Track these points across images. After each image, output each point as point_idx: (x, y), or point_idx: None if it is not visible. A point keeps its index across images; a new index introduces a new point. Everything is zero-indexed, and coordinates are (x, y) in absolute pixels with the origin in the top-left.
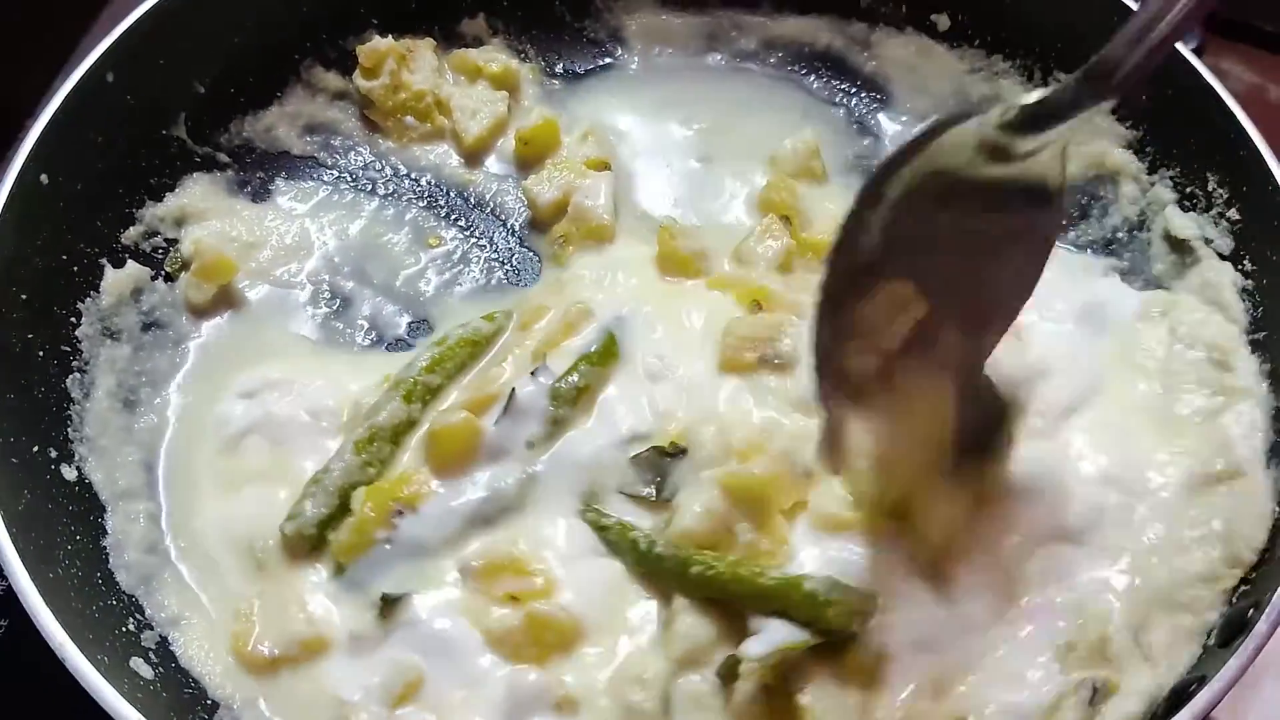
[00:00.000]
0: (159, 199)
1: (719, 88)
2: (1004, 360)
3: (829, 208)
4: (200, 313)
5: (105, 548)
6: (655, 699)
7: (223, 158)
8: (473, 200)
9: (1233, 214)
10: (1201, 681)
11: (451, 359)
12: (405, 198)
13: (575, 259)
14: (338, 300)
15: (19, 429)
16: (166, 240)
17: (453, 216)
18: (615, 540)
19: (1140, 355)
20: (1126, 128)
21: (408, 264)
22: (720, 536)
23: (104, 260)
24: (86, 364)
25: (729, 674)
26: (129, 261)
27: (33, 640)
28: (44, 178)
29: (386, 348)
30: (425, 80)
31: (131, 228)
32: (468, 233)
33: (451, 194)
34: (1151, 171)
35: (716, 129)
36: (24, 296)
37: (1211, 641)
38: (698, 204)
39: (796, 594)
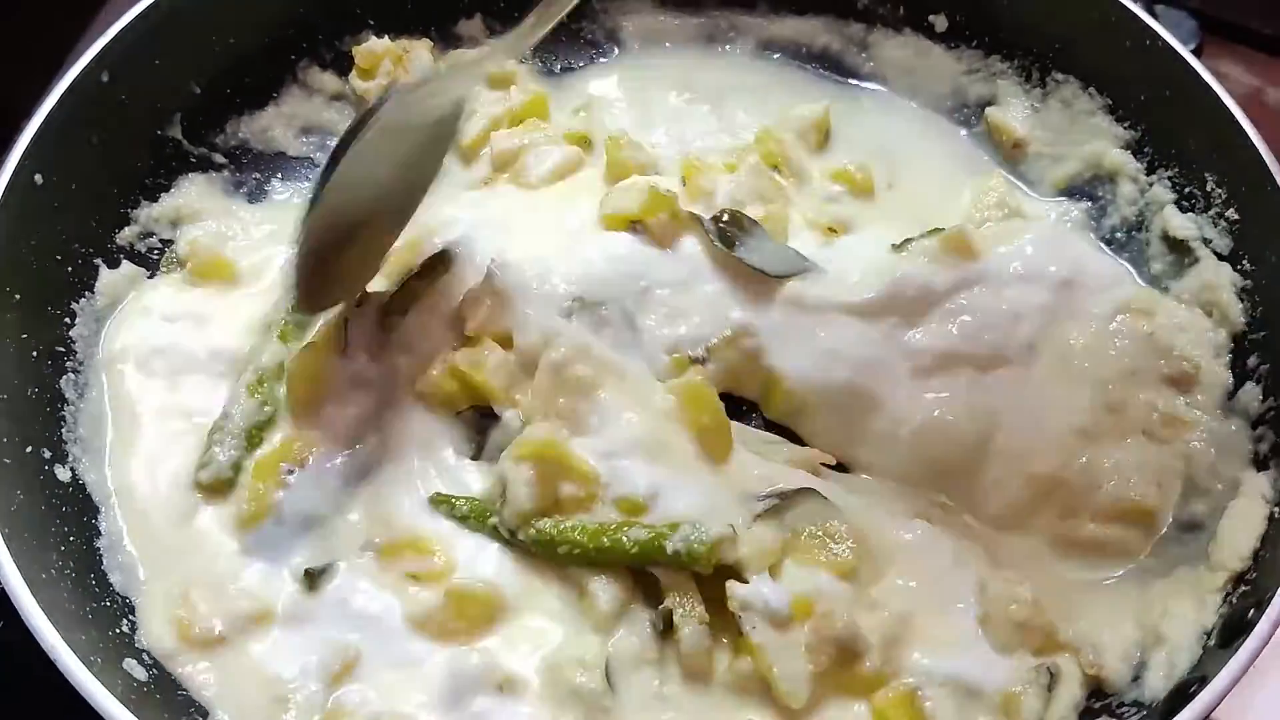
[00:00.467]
0: (154, 199)
1: (717, 73)
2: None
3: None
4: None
5: (99, 549)
6: (598, 678)
7: (219, 158)
8: None
9: (1231, 214)
10: (1203, 682)
11: None
12: None
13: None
14: None
15: (12, 429)
16: (162, 241)
17: None
18: (476, 527)
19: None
20: (1125, 128)
21: None
22: (551, 501)
23: (99, 260)
24: (81, 365)
25: (666, 623)
26: (124, 262)
27: (25, 642)
28: (38, 177)
29: None
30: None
31: (127, 228)
32: None
33: None
34: (1150, 172)
35: (712, 103)
36: (18, 296)
37: (1212, 642)
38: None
39: (662, 557)
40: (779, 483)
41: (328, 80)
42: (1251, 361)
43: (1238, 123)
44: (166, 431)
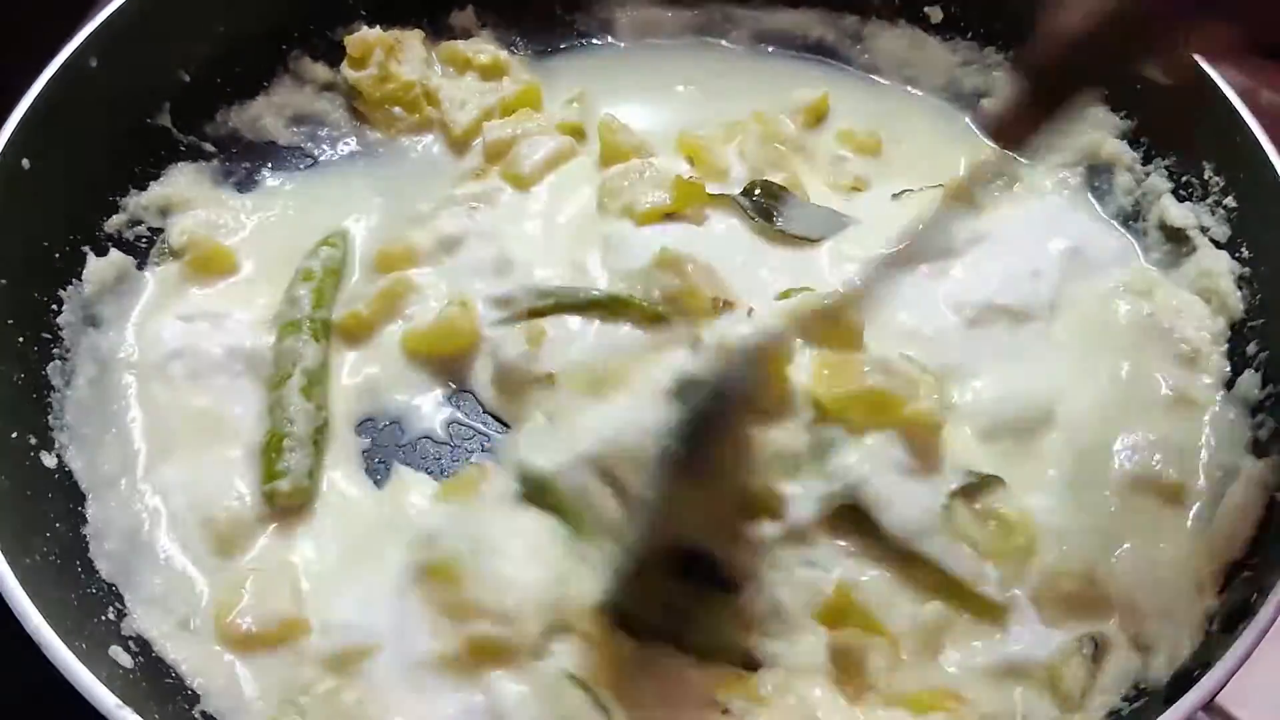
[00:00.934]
0: (143, 187)
1: (711, 63)
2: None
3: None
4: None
5: (85, 536)
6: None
7: (208, 147)
8: None
9: (1229, 201)
10: (1205, 667)
11: (328, 290)
12: None
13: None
14: None
15: None
16: (150, 229)
17: None
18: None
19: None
20: (1121, 118)
21: None
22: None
23: (86, 248)
24: (68, 352)
25: None
26: (112, 250)
27: (9, 627)
28: (26, 163)
29: None
30: (414, 71)
31: (115, 216)
32: None
33: None
34: (1146, 161)
35: (706, 90)
36: (4, 282)
37: (1214, 628)
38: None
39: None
40: None
41: (319, 70)
42: (1251, 349)
43: (1235, 110)
44: (203, 445)
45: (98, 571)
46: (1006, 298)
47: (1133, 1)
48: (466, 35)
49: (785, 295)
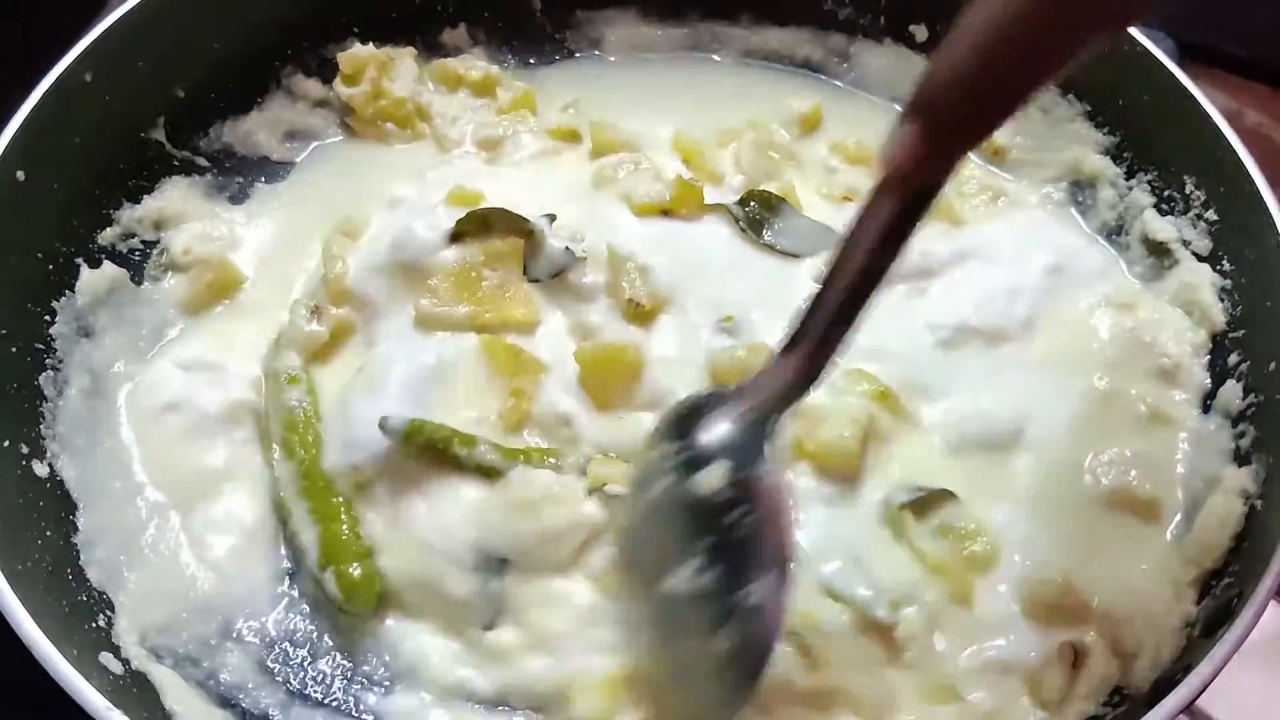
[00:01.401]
0: (137, 201)
1: (703, 74)
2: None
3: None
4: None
5: (76, 544)
6: None
7: (202, 162)
8: None
9: (1210, 215)
10: (1186, 670)
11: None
12: None
13: None
14: None
15: None
16: (144, 242)
17: None
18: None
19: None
20: (1104, 134)
21: None
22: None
23: (80, 260)
24: (60, 362)
25: None
26: (105, 262)
27: (2, 632)
28: (21, 174)
29: None
30: (405, 88)
31: (108, 229)
32: None
33: None
34: (1129, 176)
35: (699, 99)
36: None
37: (1196, 633)
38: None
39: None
40: None
41: (312, 86)
42: (1232, 360)
43: (1215, 125)
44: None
45: (88, 579)
46: (981, 319)
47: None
48: (458, 52)
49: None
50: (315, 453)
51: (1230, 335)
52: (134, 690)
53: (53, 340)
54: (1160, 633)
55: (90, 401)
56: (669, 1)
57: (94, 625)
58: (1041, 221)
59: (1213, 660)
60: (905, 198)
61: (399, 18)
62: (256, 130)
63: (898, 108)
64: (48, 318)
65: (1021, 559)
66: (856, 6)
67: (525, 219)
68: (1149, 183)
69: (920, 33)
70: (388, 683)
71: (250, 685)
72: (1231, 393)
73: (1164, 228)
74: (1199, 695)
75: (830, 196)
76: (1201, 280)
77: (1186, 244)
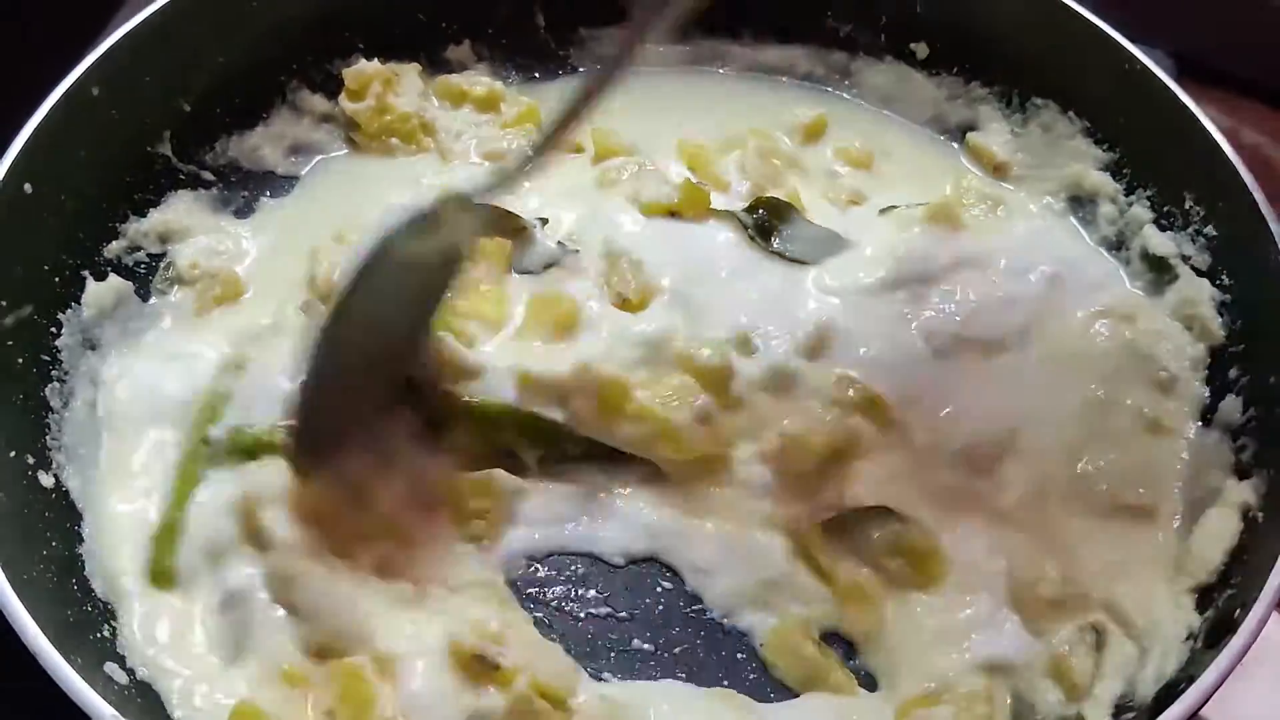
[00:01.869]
0: (143, 214)
1: (706, 87)
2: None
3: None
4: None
5: (80, 555)
6: None
7: (207, 176)
8: None
9: (1210, 230)
10: (1189, 681)
11: None
12: None
13: None
14: None
15: None
16: (150, 255)
17: None
18: None
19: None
20: (1104, 150)
21: None
22: None
23: (86, 272)
24: (66, 374)
25: None
26: (111, 275)
27: (8, 641)
28: (28, 187)
29: None
30: (410, 104)
31: (114, 242)
32: None
33: None
34: (1129, 192)
35: (703, 109)
36: (3, 304)
37: (1199, 644)
38: None
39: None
40: None
41: (317, 101)
42: (1232, 374)
43: (1214, 141)
44: None
45: (93, 590)
46: (976, 329)
47: None
48: (462, 68)
49: None
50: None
51: (1230, 350)
52: (138, 700)
53: (59, 352)
54: (1162, 638)
55: (95, 413)
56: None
57: (99, 635)
58: (1041, 230)
59: (1215, 671)
60: None
61: (404, 34)
62: (262, 145)
63: (904, 120)
64: (54, 330)
65: (1011, 564)
66: (857, 24)
67: (516, 215)
68: (1148, 198)
69: (921, 50)
70: None
71: None
72: (1232, 406)
73: (1163, 243)
74: (1202, 705)
75: (835, 200)
76: (1201, 295)
77: (1186, 259)
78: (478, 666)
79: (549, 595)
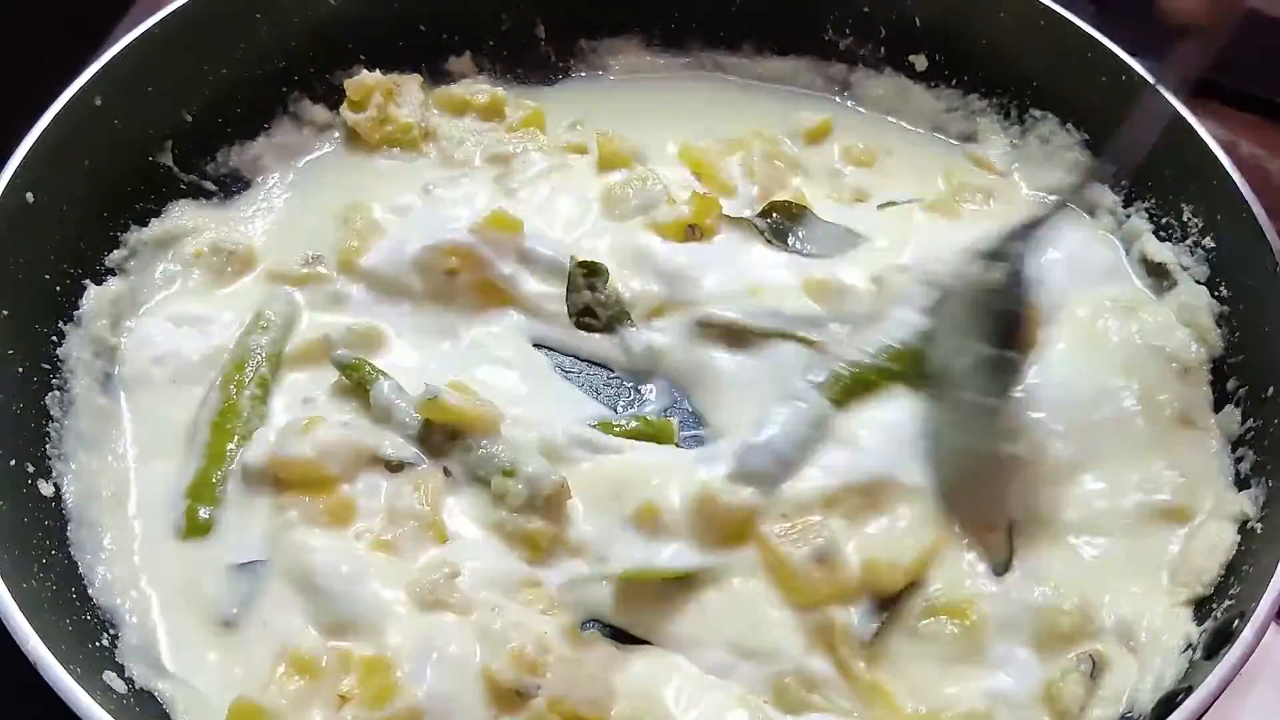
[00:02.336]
0: (144, 224)
1: (708, 93)
2: None
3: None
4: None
5: (79, 563)
6: None
7: (209, 185)
8: None
9: (1208, 242)
10: (1188, 691)
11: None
12: None
13: None
14: None
15: None
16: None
17: None
18: None
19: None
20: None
21: None
22: None
23: (87, 281)
24: (66, 382)
25: None
26: (111, 280)
27: (7, 650)
28: (30, 196)
29: None
30: (413, 114)
31: (115, 251)
32: None
33: None
34: (1127, 205)
35: (705, 114)
36: (5, 312)
37: (1198, 655)
38: None
39: None
40: None
41: (318, 112)
42: (1230, 385)
43: (1213, 154)
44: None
45: (92, 598)
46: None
47: None
48: (462, 79)
49: None
50: (241, 399)
51: (1229, 361)
52: (137, 709)
53: (59, 361)
54: (1160, 650)
55: (95, 420)
56: (671, 31)
57: (97, 644)
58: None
59: (1214, 681)
60: None
61: (404, 45)
62: (263, 155)
63: (903, 125)
64: (55, 339)
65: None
66: (857, 36)
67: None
68: (1147, 210)
69: (920, 62)
70: None
71: None
72: (1230, 417)
73: (1162, 251)
74: (1201, 716)
75: (841, 200)
76: (1200, 302)
77: (1185, 269)
78: (513, 696)
79: None
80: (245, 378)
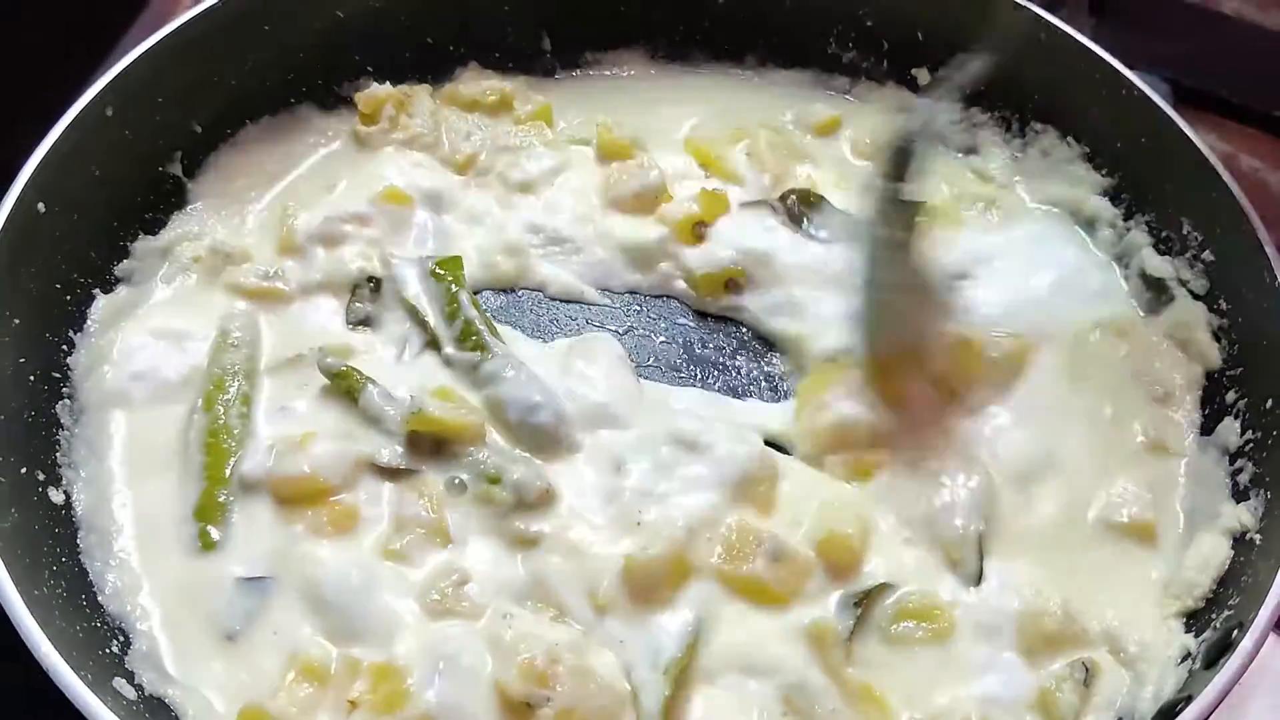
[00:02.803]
0: (153, 233)
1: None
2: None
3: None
4: None
5: (89, 571)
6: None
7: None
8: None
9: (1207, 255)
10: (1187, 701)
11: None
12: None
13: None
14: None
15: (8, 450)
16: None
17: None
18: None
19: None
20: (1102, 175)
21: None
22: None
23: (96, 290)
24: (76, 391)
25: None
26: (119, 288)
27: (17, 656)
28: (41, 206)
29: None
30: (424, 125)
31: (125, 261)
32: None
33: None
34: (1127, 218)
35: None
36: (17, 321)
37: (1197, 665)
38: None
39: None
40: None
41: (328, 123)
42: (1230, 397)
43: (1212, 167)
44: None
45: (102, 605)
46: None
47: None
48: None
49: None
50: (230, 419)
51: (1228, 373)
52: (147, 716)
53: (69, 369)
54: (1155, 661)
55: (97, 427)
56: (675, 44)
57: (107, 651)
58: (1042, 235)
59: (1213, 691)
60: None
61: (411, 57)
62: (267, 163)
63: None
64: (65, 347)
65: (1021, 602)
66: (860, 50)
67: None
68: (1147, 223)
69: (922, 76)
70: None
71: None
72: (1229, 429)
73: (1161, 266)
74: None
75: (850, 190)
76: (1197, 319)
77: (1184, 283)
78: (523, 707)
79: None
80: (229, 395)
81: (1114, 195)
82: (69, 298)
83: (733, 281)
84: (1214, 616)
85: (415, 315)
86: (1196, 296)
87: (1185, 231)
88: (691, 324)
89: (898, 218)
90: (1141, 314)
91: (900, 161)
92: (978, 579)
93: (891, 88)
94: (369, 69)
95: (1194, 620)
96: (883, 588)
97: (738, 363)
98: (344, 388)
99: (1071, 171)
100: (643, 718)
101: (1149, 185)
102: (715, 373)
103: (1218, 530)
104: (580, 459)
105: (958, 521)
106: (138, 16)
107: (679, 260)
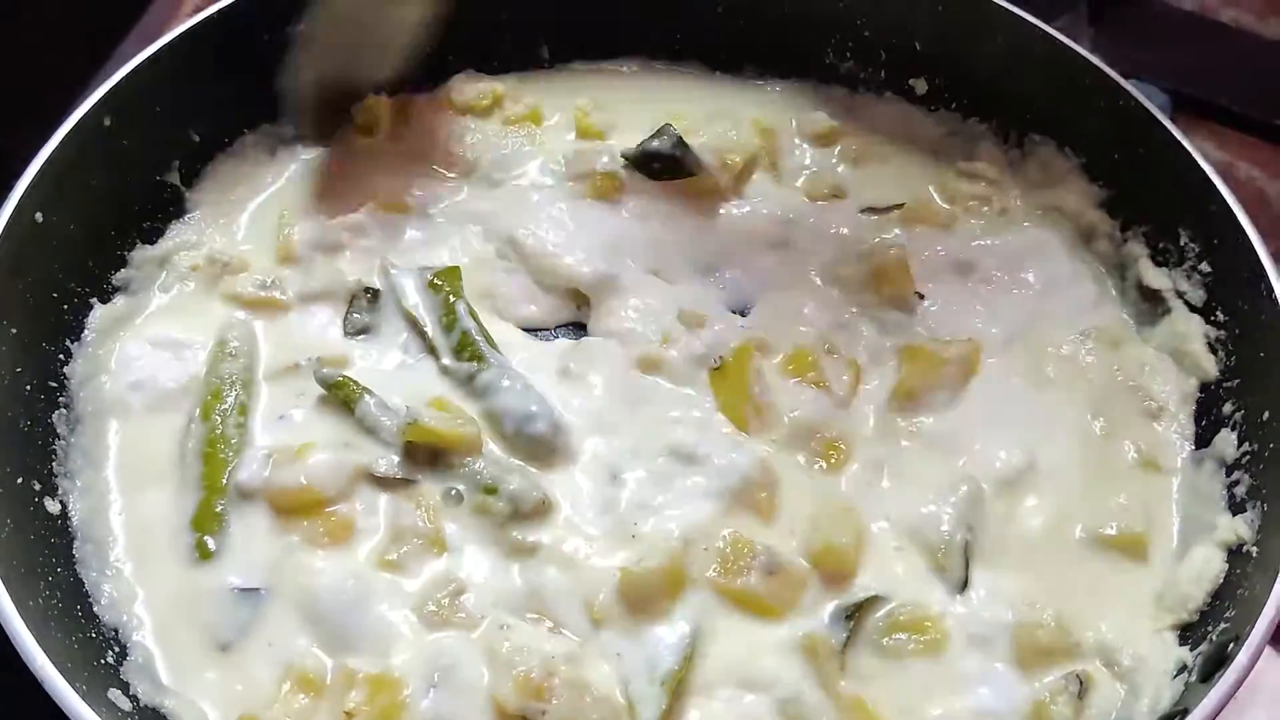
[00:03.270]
0: (151, 243)
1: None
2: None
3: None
4: None
5: (85, 581)
6: None
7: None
8: None
9: (1204, 266)
10: (1184, 715)
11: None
12: None
13: None
14: None
15: (3, 459)
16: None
17: None
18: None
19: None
20: (1100, 187)
21: None
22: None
23: (94, 300)
24: (73, 400)
25: None
26: (117, 298)
27: (11, 667)
28: (39, 216)
29: None
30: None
31: (122, 270)
32: None
33: None
34: (1125, 229)
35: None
36: (14, 331)
37: (1193, 678)
38: None
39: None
40: None
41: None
42: (1226, 409)
43: (1208, 177)
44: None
45: (97, 616)
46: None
47: None
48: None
49: None
50: (227, 429)
51: (1224, 385)
52: None
53: (67, 380)
54: (1150, 674)
55: (94, 437)
56: (673, 55)
57: (103, 662)
58: (1035, 241)
59: (1209, 704)
60: None
61: (408, 65)
62: (266, 173)
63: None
64: (62, 357)
65: (1015, 614)
66: (858, 60)
67: None
68: (1144, 234)
69: (919, 86)
70: None
71: None
72: (1225, 441)
73: (1158, 277)
74: None
75: (815, 194)
76: (1193, 331)
77: (1181, 294)
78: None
79: None
80: (227, 405)
81: (1111, 206)
82: (66, 307)
83: None
84: (1209, 630)
85: (413, 325)
86: (1193, 308)
87: (1183, 243)
88: None
89: None
90: (1134, 326)
91: None
92: (963, 586)
93: (889, 98)
94: None
95: (1189, 633)
96: (874, 600)
97: None
98: (341, 398)
99: (1069, 182)
100: None
101: (1146, 196)
102: None
103: (1212, 543)
104: (576, 469)
105: (944, 528)
106: (135, 23)
107: None
